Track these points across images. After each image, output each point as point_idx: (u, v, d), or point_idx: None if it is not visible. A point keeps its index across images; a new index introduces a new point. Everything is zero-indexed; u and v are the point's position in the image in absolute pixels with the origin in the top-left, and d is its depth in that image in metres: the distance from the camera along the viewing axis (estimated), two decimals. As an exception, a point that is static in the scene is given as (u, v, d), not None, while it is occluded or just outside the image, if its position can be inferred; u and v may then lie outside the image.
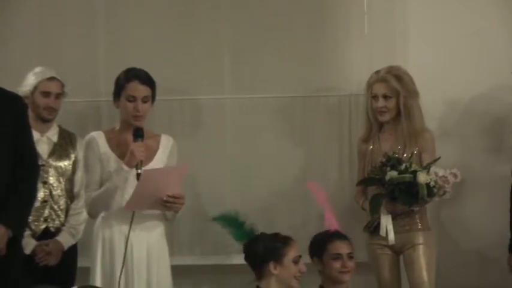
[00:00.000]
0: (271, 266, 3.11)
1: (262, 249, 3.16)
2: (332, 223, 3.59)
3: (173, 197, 3.26)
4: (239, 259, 3.33)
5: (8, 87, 3.51)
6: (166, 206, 3.27)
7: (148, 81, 3.39)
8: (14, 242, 3.22)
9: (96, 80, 4.10)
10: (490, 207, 4.21)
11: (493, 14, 4.28)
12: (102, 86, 3.98)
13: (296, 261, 3.20)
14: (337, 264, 3.38)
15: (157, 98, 3.55)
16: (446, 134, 4.20)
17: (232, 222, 3.36)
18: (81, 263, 3.77)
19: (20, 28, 4.25)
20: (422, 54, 4.22)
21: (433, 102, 4.11)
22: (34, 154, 3.34)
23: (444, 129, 4.21)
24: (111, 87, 3.49)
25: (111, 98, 3.48)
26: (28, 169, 3.26)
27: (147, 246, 3.34)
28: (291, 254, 3.16)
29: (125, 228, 3.27)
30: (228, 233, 3.44)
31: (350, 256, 3.43)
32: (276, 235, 3.24)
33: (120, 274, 3.26)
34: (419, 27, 4.28)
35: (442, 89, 4.20)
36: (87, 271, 3.41)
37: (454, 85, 4.23)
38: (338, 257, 3.42)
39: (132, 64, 3.54)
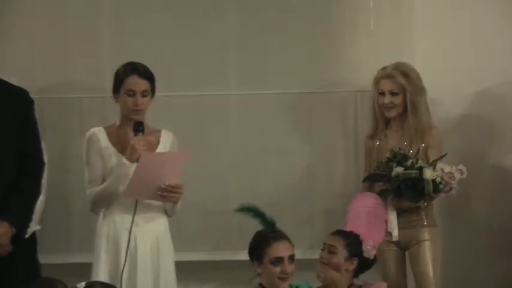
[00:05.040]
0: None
1: None
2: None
3: (170, 186, 3.30)
4: (244, 255, 3.35)
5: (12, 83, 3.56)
6: (164, 196, 3.30)
7: (147, 75, 3.43)
8: (18, 239, 3.25)
9: (101, 75, 4.14)
10: (495, 203, 4.25)
11: (499, 10, 4.31)
12: (107, 82, 3.95)
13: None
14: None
15: (162, 93, 3.58)
16: (453, 130, 4.23)
17: (255, 213, 3.39)
18: (82, 259, 3.83)
19: (24, 23, 4.29)
20: (429, 50, 4.26)
21: (438, 98, 4.15)
22: (39, 150, 3.35)
23: (450, 126, 4.24)
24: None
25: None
26: (33, 165, 3.28)
27: (151, 239, 3.40)
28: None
29: (127, 222, 3.33)
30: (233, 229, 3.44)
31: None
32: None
33: (123, 270, 3.30)
34: (426, 23, 4.32)
35: (448, 85, 4.23)
36: (89, 267, 3.46)
37: (460, 81, 4.25)
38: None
39: (137, 59, 3.58)
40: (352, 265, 3.37)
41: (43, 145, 3.54)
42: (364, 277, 3.64)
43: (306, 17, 4.32)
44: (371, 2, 4.28)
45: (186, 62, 4.23)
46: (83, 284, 2.44)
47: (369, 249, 3.42)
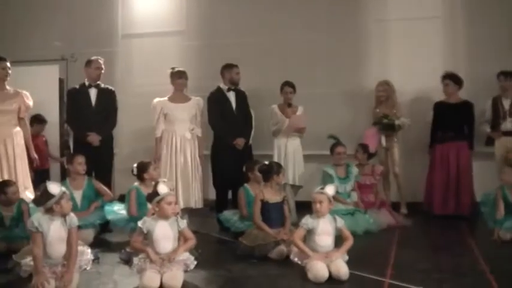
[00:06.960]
0: None
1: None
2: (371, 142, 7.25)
3: (299, 127, 7.35)
4: (328, 151, 7.34)
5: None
6: (297, 131, 7.34)
7: (292, 85, 7.43)
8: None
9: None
10: (417, 134, 7.43)
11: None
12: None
13: None
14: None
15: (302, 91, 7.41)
16: (405, 107, 7.63)
17: (334, 137, 7.05)
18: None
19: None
20: (399, 67, 7.63)
21: (400, 94, 7.60)
22: None
23: (404, 105, 7.64)
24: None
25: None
26: None
27: (294, 145, 7.53)
28: None
29: (285, 139, 7.55)
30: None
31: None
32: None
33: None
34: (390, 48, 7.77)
35: (406, 87, 7.63)
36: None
37: (411, 85, 7.66)
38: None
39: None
40: (365, 155, 7.26)
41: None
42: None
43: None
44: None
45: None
46: (266, 162, 5.73)
47: (371, 149, 7.22)
